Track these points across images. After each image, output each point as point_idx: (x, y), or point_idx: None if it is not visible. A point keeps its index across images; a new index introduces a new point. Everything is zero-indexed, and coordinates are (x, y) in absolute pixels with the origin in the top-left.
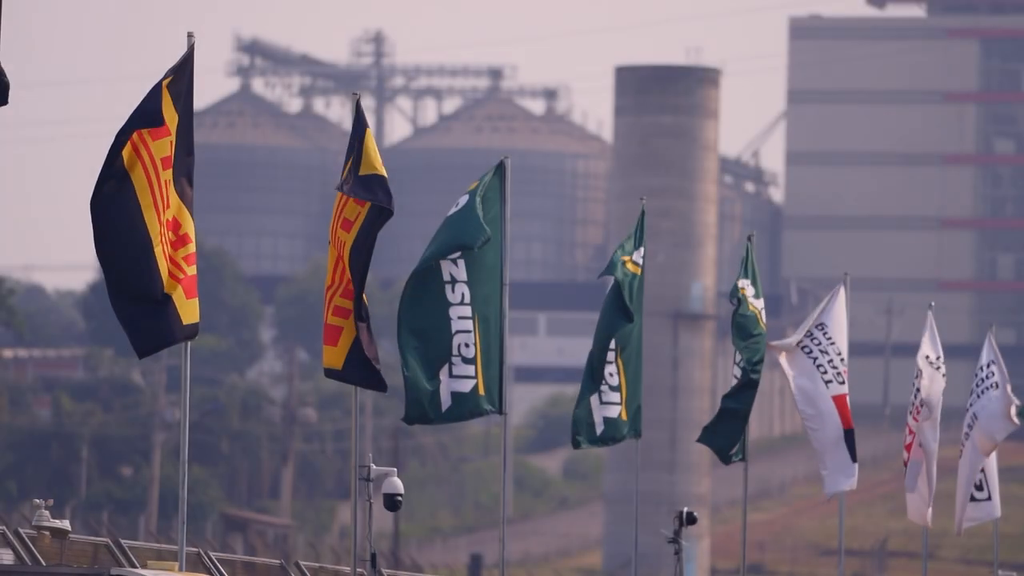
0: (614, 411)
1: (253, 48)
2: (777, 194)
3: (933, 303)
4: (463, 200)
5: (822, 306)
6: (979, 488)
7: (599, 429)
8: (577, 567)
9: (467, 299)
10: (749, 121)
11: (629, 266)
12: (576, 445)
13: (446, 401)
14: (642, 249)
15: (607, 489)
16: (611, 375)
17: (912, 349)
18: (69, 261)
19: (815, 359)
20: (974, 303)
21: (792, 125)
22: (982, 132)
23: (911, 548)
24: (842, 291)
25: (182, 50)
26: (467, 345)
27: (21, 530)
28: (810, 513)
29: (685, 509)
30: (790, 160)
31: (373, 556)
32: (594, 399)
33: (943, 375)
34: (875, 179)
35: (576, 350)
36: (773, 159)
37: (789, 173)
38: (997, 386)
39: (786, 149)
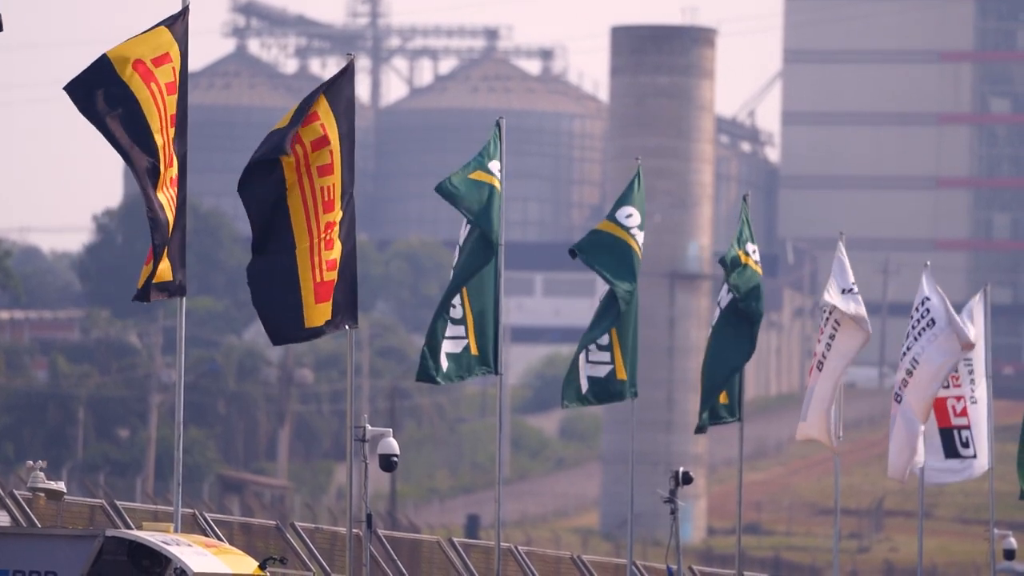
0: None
1: (249, 9)
2: (773, 154)
3: (929, 262)
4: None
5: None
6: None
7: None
8: (574, 527)
9: (453, 262)
10: (745, 81)
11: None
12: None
13: (444, 364)
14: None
15: (604, 449)
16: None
17: (908, 308)
18: (65, 223)
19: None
20: (970, 262)
21: (788, 85)
22: (978, 91)
23: (907, 507)
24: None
25: (177, 10)
26: (454, 305)
27: (17, 492)
28: (806, 473)
29: (681, 469)
30: (786, 120)
31: (369, 517)
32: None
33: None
34: (871, 139)
35: (572, 310)
36: (769, 119)
37: (785, 133)
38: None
39: (782, 109)
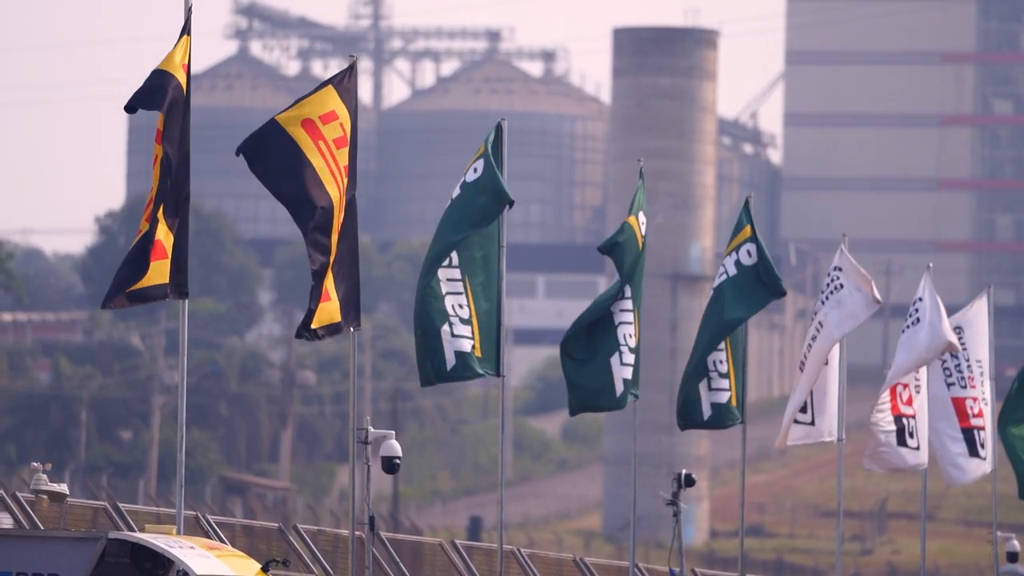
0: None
1: (251, 11)
2: (775, 155)
3: (931, 264)
4: (480, 166)
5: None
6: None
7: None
8: (577, 529)
9: (455, 261)
10: (747, 82)
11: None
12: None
13: (451, 360)
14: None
15: (606, 451)
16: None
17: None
18: (68, 224)
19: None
20: (972, 264)
21: (790, 86)
22: (980, 93)
23: (910, 509)
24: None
25: (180, 12)
26: (461, 306)
27: (20, 494)
28: (809, 475)
29: (684, 471)
30: (788, 121)
31: (371, 519)
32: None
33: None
34: (873, 140)
35: (575, 312)
36: (771, 120)
37: (787, 134)
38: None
39: (784, 110)
